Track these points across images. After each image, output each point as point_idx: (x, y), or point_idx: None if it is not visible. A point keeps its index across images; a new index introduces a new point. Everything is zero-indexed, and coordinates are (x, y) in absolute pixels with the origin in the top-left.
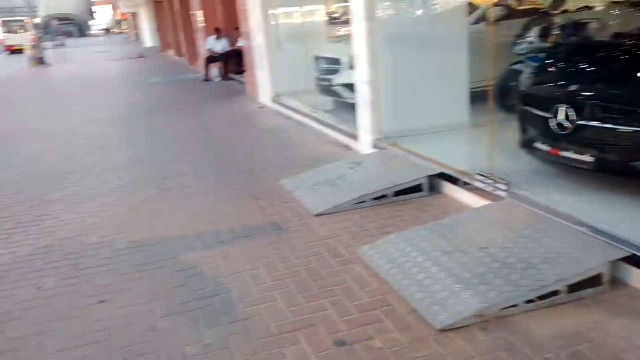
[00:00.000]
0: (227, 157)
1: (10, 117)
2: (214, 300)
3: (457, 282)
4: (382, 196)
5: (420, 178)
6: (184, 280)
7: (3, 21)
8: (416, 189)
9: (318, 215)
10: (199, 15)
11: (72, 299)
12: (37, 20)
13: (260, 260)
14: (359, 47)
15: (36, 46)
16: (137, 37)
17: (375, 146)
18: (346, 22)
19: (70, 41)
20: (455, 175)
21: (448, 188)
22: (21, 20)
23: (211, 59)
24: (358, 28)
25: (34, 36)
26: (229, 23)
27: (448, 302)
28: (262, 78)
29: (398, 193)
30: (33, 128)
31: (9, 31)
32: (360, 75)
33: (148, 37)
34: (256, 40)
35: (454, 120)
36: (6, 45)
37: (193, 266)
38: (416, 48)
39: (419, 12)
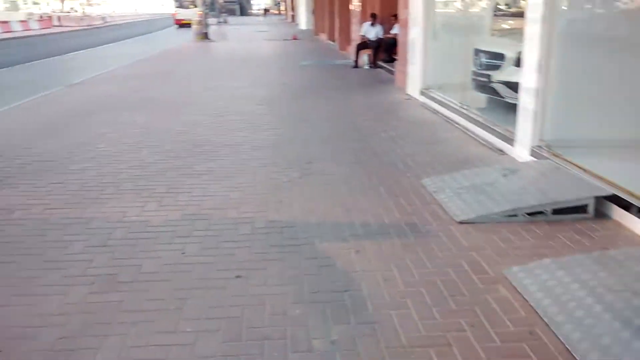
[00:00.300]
0: (371, 147)
1: (173, 88)
2: (344, 295)
3: (625, 328)
4: (538, 212)
5: (587, 198)
6: (317, 269)
7: None
8: (579, 209)
9: (461, 223)
10: (356, 1)
11: (211, 269)
12: None
13: (394, 261)
14: (530, 48)
15: (202, 22)
16: (293, 19)
17: (533, 154)
18: (515, 15)
19: (232, 19)
20: (629, 199)
21: (619, 214)
22: None
23: (363, 45)
24: (532, 26)
25: (201, 12)
26: (386, 10)
27: (612, 350)
28: (413, 68)
29: (557, 211)
30: (192, 100)
31: (181, 6)
32: (528, 77)
33: (303, 20)
34: (413, 29)
35: (636, 135)
36: (176, 19)
37: (326, 256)
38: (599, 50)
39: (607, 9)
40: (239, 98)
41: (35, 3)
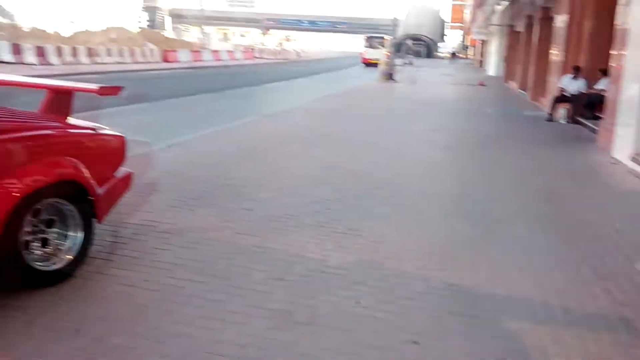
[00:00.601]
0: (568, 214)
1: (356, 126)
2: None
3: None
4: None
5: None
6: (504, 352)
7: (368, 37)
8: None
9: None
10: (558, 51)
11: (386, 327)
12: (393, 38)
13: None
14: None
15: (389, 63)
16: (481, 65)
17: None
18: None
19: (417, 61)
20: None
21: None
22: (381, 38)
23: (560, 98)
24: None
25: (388, 53)
26: (593, 63)
27: None
28: (625, 130)
29: None
30: (373, 140)
31: (370, 46)
32: None
33: (492, 66)
34: (630, 86)
35: None
36: (364, 58)
37: (514, 336)
38: None
39: None
40: (420, 142)
41: (242, 36)
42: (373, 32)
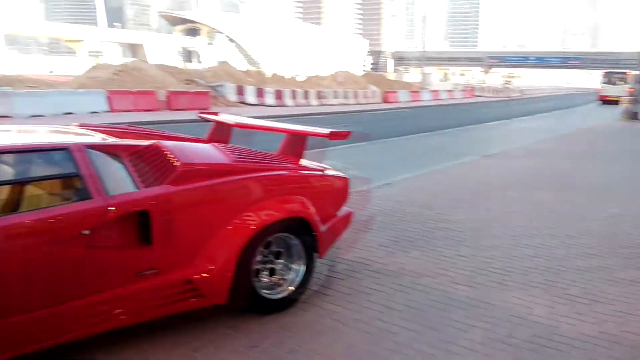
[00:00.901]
0: None
1: (589, 171)
2: None
3: None
4: None
5: None
6: None
7: (606, 72)
8: None
9: None
10: None
11: None
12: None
13: None
14: None
15: (633, 100)
16: None
17: None
18: None
19: None
20: None
21: None
22: (623, 73)
23: None
24: None
25: (632, 89)
26: None
27: None
28: None
29: None
30: (610, 188)
31: (609, 82)
32: None
33: None
34: None
35: None
36: (600, 95)
37: None
38: None
39: None
40: None
41: (461, 74)
42: (612, 67)
